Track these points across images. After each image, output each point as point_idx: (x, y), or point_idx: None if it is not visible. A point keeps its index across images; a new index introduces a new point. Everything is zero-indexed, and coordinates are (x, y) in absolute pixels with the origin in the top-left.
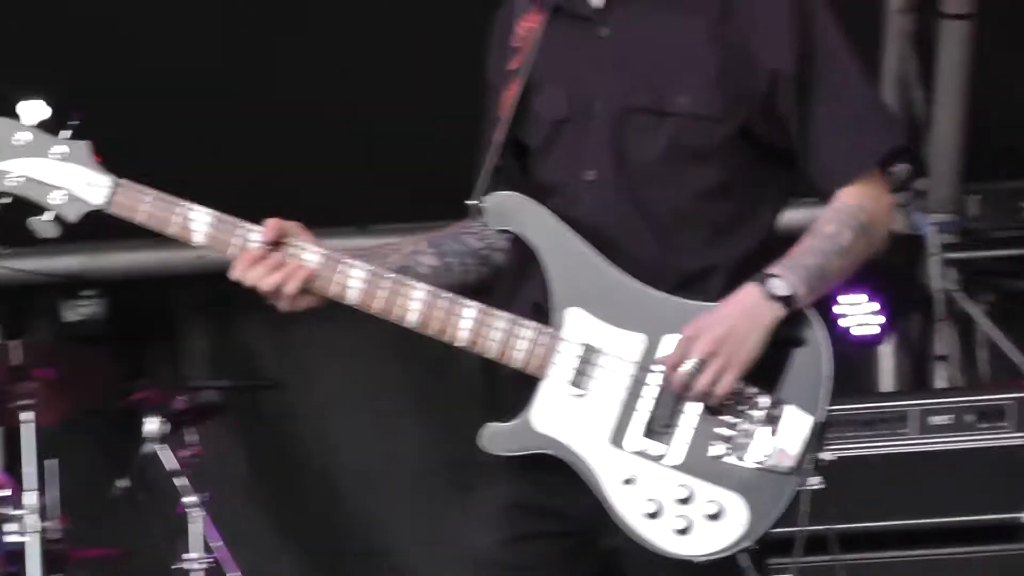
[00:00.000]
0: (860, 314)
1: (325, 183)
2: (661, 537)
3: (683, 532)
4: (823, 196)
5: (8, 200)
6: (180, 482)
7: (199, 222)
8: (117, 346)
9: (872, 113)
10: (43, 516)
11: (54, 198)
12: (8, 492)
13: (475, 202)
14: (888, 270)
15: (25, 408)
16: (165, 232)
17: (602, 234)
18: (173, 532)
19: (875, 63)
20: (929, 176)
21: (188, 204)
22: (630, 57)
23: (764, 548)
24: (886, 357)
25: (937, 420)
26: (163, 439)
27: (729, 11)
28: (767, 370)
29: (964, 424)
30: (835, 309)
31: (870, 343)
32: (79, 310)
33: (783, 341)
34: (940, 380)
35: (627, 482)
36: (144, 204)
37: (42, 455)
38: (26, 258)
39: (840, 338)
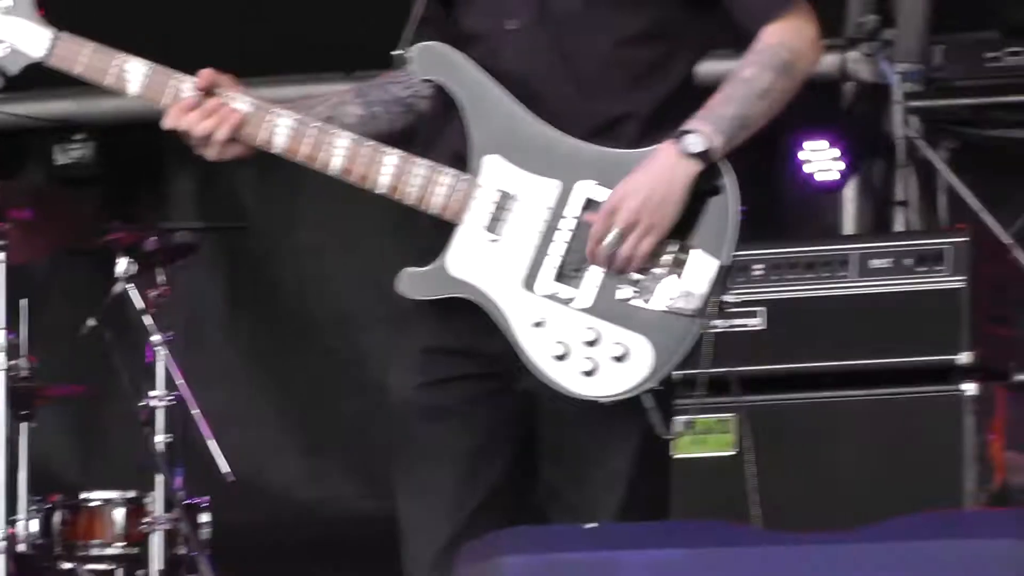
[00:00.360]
0: (822, 160)
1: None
2: (568, 378)
3: (589, 374)
4: (747, 39)
5: None
6: (147, 321)
7: (134, 72)
8: (106, 188)
9: None
10: (12, 355)
11: None
12: None
13: (400, 52)
14: (851, 117)
15: None
16: (102, 84)
17: (524, 82)
18: (140, 370)
19: None
20: (896, 26)
21: (124, 56)
22: None
23: (668, 389)
24: (849, 202)
25: (877, 263)
26: (132, 279)
27: None
28: (682, 228)
29: (903, 267)
30: (799, 155)
31: (832, 188)
32: (70, 153)
33: (698, 191)
34: (899, 224)
35: (537, 325)
36: (82, 56)
37: (15, 294)
38: (19, 102)
39: (803, 182)
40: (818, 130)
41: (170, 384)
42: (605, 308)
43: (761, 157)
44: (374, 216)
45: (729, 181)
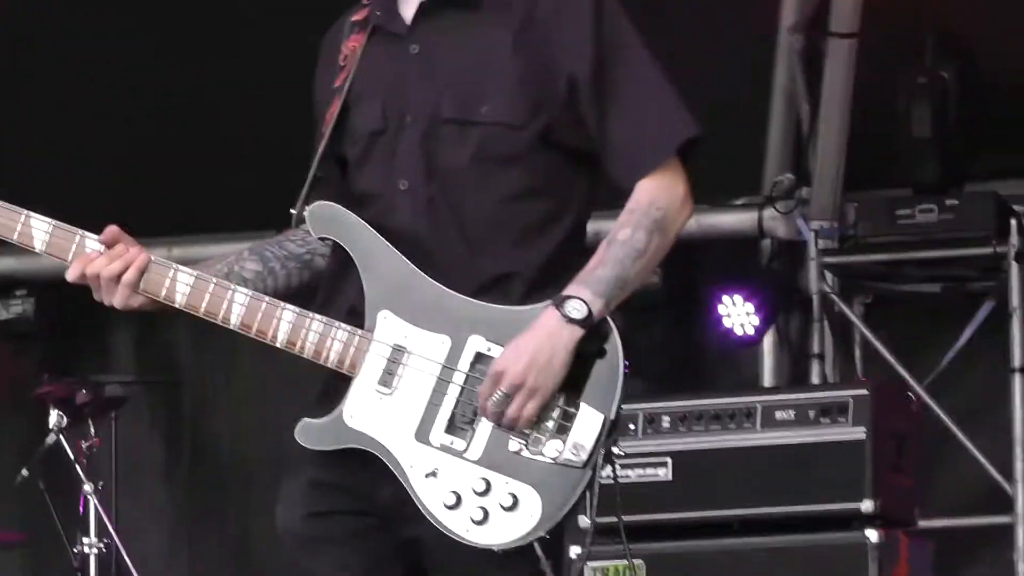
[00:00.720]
0: (740, 314)
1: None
2: (460, 526)
3: (480, 523)
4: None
5: None
6: (79, 471)
7: (39, 229)
8: (46, 342)
9: (663, 109)
10: None
11: None
12: None
13: (296, 211)
14: (768, 272)
15: None
16: (10, 239)
17: (416, 241)
18: (74, 518)
19: (767, 78)
20: (811, 185)
21: (27, 212)
22: (437, 71)
23: (557, 538)
24: (768, 355)
25: (781, 415)
26: (64, 430)
27: (530, 22)
28: (568, 374)
29: (807, 419)
30: (719, 309)
31: (749, 342)
32: (11, 308)
33: (584, 351)
34: (816, 377)
35: (430, 475)
36: None
37: None
38: None
39: (723, 336)
40: (736, 285)
41: (103, 532)
42: (495, 459)
43: (681, 311)
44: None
45: (613, 340)
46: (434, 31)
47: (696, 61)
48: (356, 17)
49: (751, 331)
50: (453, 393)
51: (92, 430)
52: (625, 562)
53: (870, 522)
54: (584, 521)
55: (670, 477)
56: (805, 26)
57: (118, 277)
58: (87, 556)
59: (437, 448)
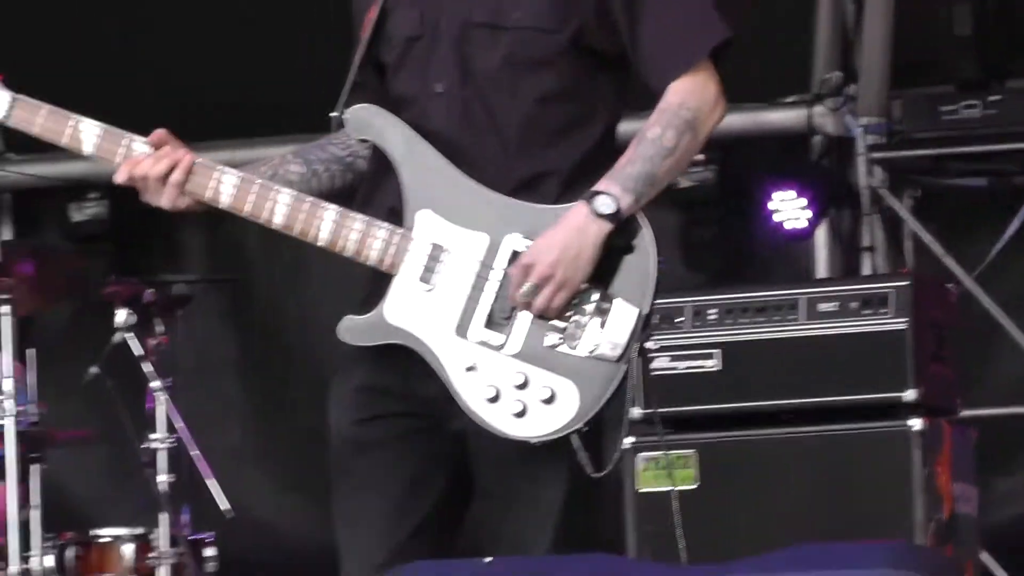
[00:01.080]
0: (791, 209)
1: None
2: (500, 420)
3: (520, 415)
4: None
5: None
6: (146, 368)
7: (88, 133)
8: (118, 243)
9: (694, 13)
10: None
11: None
12: None
13: (336, 114)
14: (818, 168)
15: (3, 302)
16: (59, 143)
17: (451, 141)
18: (141, 414)
19: None
20: (858, 82)
21: (78, 117)
22: None
23: (595, 430)
24: (821, 248)
25: (824, 307)
26: (132, 328)
27: None
28: (600, 269)
29: (849, 311)
30: (769, 205)
31: (800, 236)
32: (85, 211)
33: (615, 246)
34: (867, 269)
35: (469, 369)
36: (39, 117)
37: (23, 344)
38: (36, 164)
39: (774, 231)
40: (787, 181)
41: (171, 428)
42: (533, 353)
43: (735, 207)
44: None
45: (646, 235)
46: None
47: None
48: None
49: (802, 225)
50: (491, 289)
51: (160, 328)
52: (678, 452)
53: (913, 411)
54: (636, 412)
55: (719, 367)
56: None
57: (164, 178)
58: (155, 452)
59: (476, 343)
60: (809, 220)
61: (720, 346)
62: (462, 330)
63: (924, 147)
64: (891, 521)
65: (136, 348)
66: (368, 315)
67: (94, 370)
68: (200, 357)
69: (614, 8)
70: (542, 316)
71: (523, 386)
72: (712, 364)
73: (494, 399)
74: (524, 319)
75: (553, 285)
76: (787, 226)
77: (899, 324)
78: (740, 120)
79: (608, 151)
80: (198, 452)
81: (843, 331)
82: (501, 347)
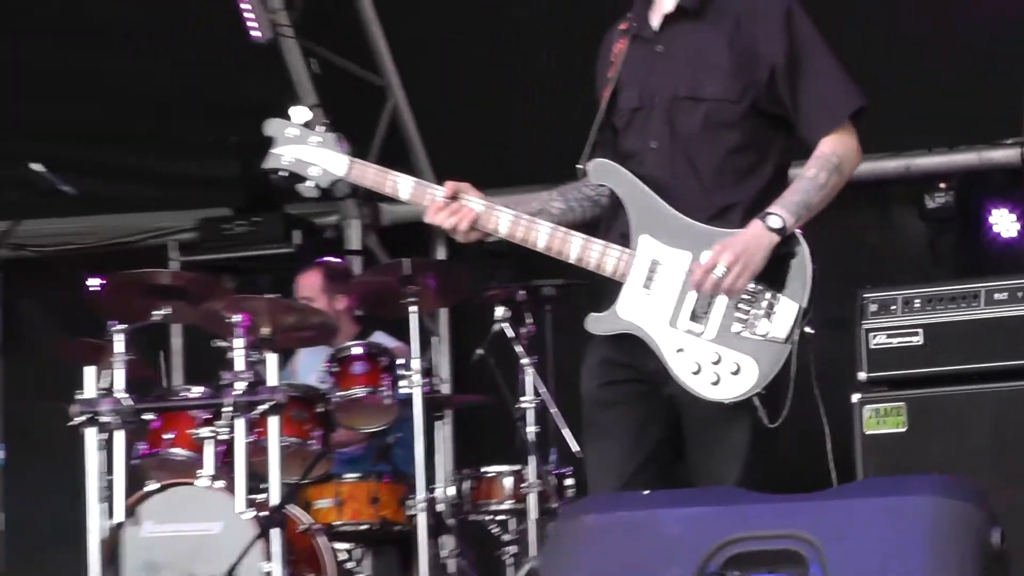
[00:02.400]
0: (1006, 223)
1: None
2: (701, 387)
3: (715, 383)
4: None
5: (285, 174)
6: (518, 349)
7: (403, 185)
8: (517, 259)
9: (840, 86)
10: (426, 374)
11: (312, 172)
12: (403, 360)
13: (581, 165)
14: None
15: (411, 304)
16: (383, 192)
17: (663, 184)
18: (515, 383)
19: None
20: None
21: (396, 173)
22: (675, 64)
23: (772, 393)
24: None
25: (998, 296)
26: (508, 320)
27: (739, 25)
28: (770, 274)
29: (1017, 299)
30: (990, 220)
31: (1012, 243)
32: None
33: (782, 254)
34: None
35: (679, 351)
36: (369, 173)
37: (426, 334)
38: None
39: (994, 239)
40: (1003, 202)
41: (536, 392)
42: (724, 338)
43: (966, 222)
44: None
45: (805, 248)
46: (673, 35)
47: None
48: (621, 27)
49: (1013, 235)
50: (694, 292)
51: (529, 320)
52: (893, 404)
53: None
54: (862, 376)
55: (922, 342)
56: None
57: (454, 228)
58: (525, 411)
59: (683, 331)
60: (1018, 231)
61: (922, 327)
62: (673, 322)
63: None
64: None
65: (511, 334)
66: (606, 312)
67: (480, 352)
68: (563, 342)
69: (779, 84)
70: (728, 294)
71: (717, 362)
72: (917, 340)
73: (696, 372)
74: (717, 313)
75: (737, 268)
76: (1003, 235)
77: None
78: (970, 158)
79: (778, 187)
80: (556, 410)
81: (1013, 314)
82: (701, 334)
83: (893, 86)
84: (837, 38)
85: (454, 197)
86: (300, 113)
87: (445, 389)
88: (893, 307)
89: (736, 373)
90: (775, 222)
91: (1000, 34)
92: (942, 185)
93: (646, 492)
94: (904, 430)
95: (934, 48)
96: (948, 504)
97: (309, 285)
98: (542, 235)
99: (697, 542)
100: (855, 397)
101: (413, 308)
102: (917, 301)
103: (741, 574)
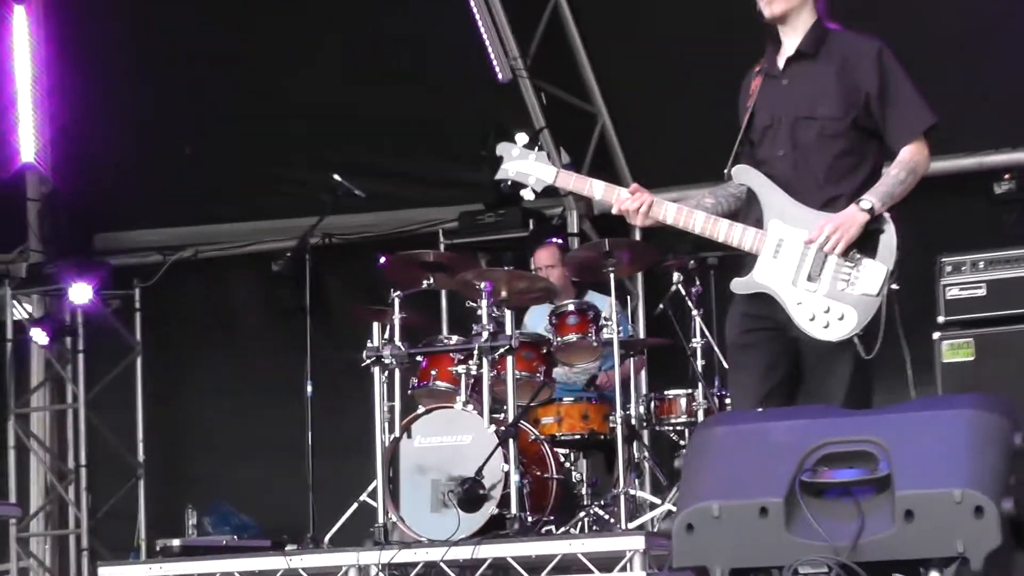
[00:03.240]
0: None
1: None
2: (816, 330)
3: (826, 327)
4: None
5: (510, 183)
6: (690, 304)
7: (596, 187)
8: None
9: (915, 108)
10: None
11: (529, 180)
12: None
13: (727, 170)
14: None
15: (610, 271)
16: (582, 194)
17: (787, 181)
18: (687, 329)
19: None
20: None
21: (591, 180)
22: (796, 93)
23: (865, 334)
24: None
25: None
26: (681, 283)
27: (844, 63)
28: (865, 245)
29: None
30: None
31: None
32: None
33: (873, 230)
34: None
35: (799, 304)
36: (571, 180)
37: (624, 293)
38: None
39: None
40: None
41: (703, 336)
42: (831, 293)
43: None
44: None
45: (890, 225)
46: (793, 72)
47: None
48: (756, 68)
49: None
50: (809, 259)
51: (698, 282)
52: (964, 339)
53: None
54: (941, 319)
55: (984, 294)
56: None
57: (636, 212)
58: (695, 349)
59: (802, 289)
60: None
61: (985, 282)
62: (794, 282)
63: None
64: None
65: (684, 293)
66: (745, 277)
67: (661, 306)
68: (718, 298)
69: (873, 107)
70: (830, 251)
71: (827, 311)
72: (981, 292)
73: (812, 319)
74: (827, 274)
75: (837, 235)
76: None
77: None
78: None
79: (873, 182)
80: (717, 349)
81: None
82: (815, 291)
83: (967, 100)
84: (919, 61)
85: (634, 193)
86: (522, 137)
87: (641, 334)
88: (963, 268)
89: (841, 319)
90: (866, 204)
91: None
92: (1007, 176)
93: (759, 409)
94: (972, 359)
95: (996, 68)
96: (982, 415)
97: (544, 257)
98: (698, 221)
99: (796, 446)
100: (936, 335)
101: (611, 275)
102: (981, 263)
103: (829, 469)
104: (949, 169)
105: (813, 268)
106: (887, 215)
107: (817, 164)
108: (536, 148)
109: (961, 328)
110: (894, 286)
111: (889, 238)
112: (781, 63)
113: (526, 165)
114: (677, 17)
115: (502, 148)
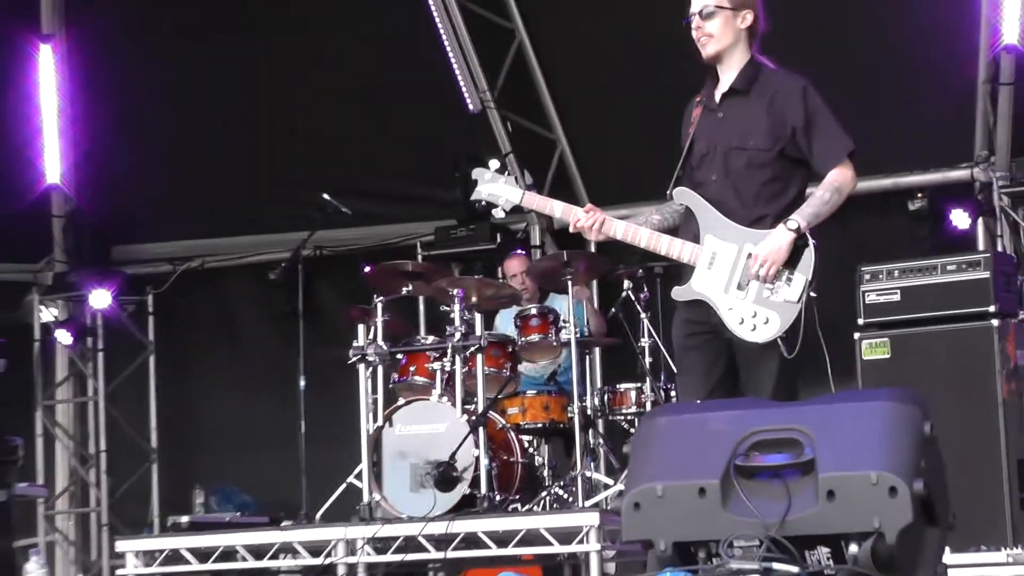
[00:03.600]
0: (961, 218)
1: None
2: (745, 333)
3: (753, 330)
4: (820, 179)
5: (483, 203)
6: (638, 308)
7: (556, 207)
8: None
9: (837, 136)
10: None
11: (500, 201)
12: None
13: (669, 191)
14: (976, 199)
15: (568, 279)
16: (544, 212)
17: (720, 202)
18: (637, 332)
19: None
20: (996, 153)
21: (553, 201)
22: (729, 126)
23: (787, 336)
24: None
25: (950, 268)
26: (632, 289)
27: (773, 100)
28: (791, 257)
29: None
30: (951, 215)
31: (966, 233)
32: None
33: (799, 245)
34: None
35: (730, 309)
36: (535, 200)
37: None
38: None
39: (952, 231)
40: (959, 205)
41: (650, 336)
42: (759, 300)
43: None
44: None
45: (811, 241)
46: (728, 106)
47: None
48: (697, 99)
49: (966, 227)
50: (738, 270)
51: (645, 289)
52: (880, 339)
53: (993, 316)
54: (860, 320)
55: (899, 299)
56: None
57: (590, 228)
58: (643, 348)
59: (732, 296)
60: (969, 224)
61: (899, 288)
62: (726, 290)
63: None
64: (983, 368)
65: (634, 298)
66: (684, 286)
67: (613, 310)
68: (663, 303)
69: (799, 138)
70: (764, 281)
71: (754, 316)
72: (896, 297)
73: (741, 323)
74: (753, 284)
75: (769, 264)
76: (959, 227)
77: (985, 274)
78: (938, 176)
79: (798, 203)
80: (663, 348)
81: (961, 279)
82: (744, 298)
83: (887, 129)
84: (840, 93)
85: (588, 212)
86: (494, 163)
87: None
88: (880, 275)
89: (767, 323)
90: (792, 224)
91: (958, 88)
92: (920, 195)
93: (698, 401)
94: (888, 357)
95: (909, 98)
96: (896, 407)
97: (511, 267)
98: (643, 237)
99: (731, 434)
100: (856, 335)
101: (569, 282)
102: (896, 272)
103: (760, 454)
104: (871, 188)
105: (742, 278)
106: (808, 233)
107: (746, 189)
108: (505, 173)
109: (878, 329)
110: (812, 294)
111: (809, 253)
112: (718, 97)
113: (497, 188)
114: (628, 53)
115: (477, 172)
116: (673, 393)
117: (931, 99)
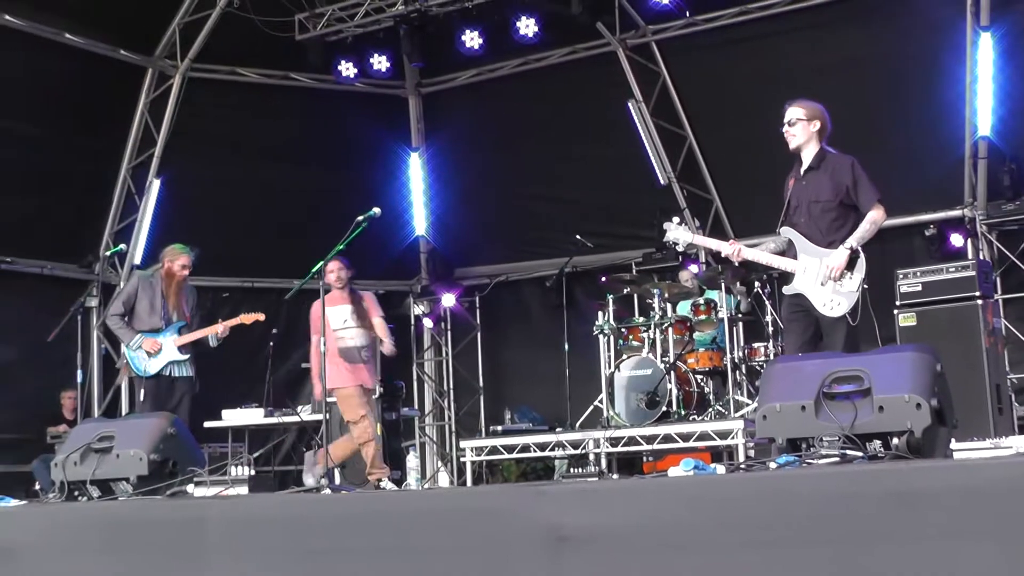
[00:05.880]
0: (958, 240)
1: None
2: (826, 311)
3: (831, 310)
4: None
5: (670, 241)
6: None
7: (712, 242)
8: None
9: (873, 190)
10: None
11: (681, 240)
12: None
13: (778, 228)
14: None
15: (721, 281)
16: (705, 246)
17: (807, 235)
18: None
19: None
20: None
21: (709, 239)
22: (810, 188)
23: (853, 311)
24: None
25: (950, 268)
26: (761, 287)
27: (835, 172)
28: (849, 264)
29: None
30: (950, 238)
31: (959, 249)
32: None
33: (854, 257)
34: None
35: (816, 297)
36: (700, 238)
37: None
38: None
39: (950, 247)
40: (956, 231)
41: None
42: (833, 291)
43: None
44: None
45: (862, 254)
46: (809, 177)
47: None
48: (792, 172)
49: (960, 245)
50: (820, 274)
51: (768, 287)
52: (910, 312)
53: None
54: (898, 302)
55: (920, 289)
56: None
57: (733, 255)
58: (767, 322)
59: (817, 290)
60: (962, 244)
61: (922, 283)
62: (814, 286)
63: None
64: (972, 329)
65: (760, 292)
66: (789, 285)
67: (749, 300)
68: (777, 296)
69: (850, 192)
70: (834, 280)
71: (831, 301)
72: (919, 288)
73: (824, 305)
74: (830, 283)
75: (836, 269)
76: (956, 245)
77: (972, 273)
78: (941, 215)
79: (852, 231)
80: (780, 321)
81: (956, 276)
82: (824, 290)
83: (909, 185)
84: (877, 162)
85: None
86: (676, 218)
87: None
88: (909, 275)
89: (839, 305)
90: (848, 244)
91: (953, 161)
92: (931, 226)
93: (799, 355)
94: (915, 324)
95: (925, 165)
96: (919, 355)
97: (685, 276)
98: (763, 257)
99: (819, 373)
100: (895, 311)
101: (723, 283)
102: (919, 272)
103: (837, 385)
104: (901, 223)
105: (822, 279)
106: (860, 249)
107: (822, 226)
108: (683, 223)
109: (909, 308)
110: (865, 286)
111: (862, 261)
112: (802, 172)
113: (678, 232)
114: (761, 146)
115: (666, 224)
116: (783, 349)
117: (936, 167)
